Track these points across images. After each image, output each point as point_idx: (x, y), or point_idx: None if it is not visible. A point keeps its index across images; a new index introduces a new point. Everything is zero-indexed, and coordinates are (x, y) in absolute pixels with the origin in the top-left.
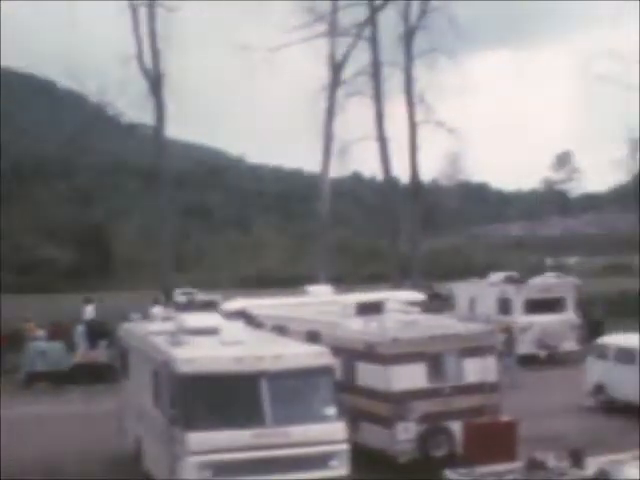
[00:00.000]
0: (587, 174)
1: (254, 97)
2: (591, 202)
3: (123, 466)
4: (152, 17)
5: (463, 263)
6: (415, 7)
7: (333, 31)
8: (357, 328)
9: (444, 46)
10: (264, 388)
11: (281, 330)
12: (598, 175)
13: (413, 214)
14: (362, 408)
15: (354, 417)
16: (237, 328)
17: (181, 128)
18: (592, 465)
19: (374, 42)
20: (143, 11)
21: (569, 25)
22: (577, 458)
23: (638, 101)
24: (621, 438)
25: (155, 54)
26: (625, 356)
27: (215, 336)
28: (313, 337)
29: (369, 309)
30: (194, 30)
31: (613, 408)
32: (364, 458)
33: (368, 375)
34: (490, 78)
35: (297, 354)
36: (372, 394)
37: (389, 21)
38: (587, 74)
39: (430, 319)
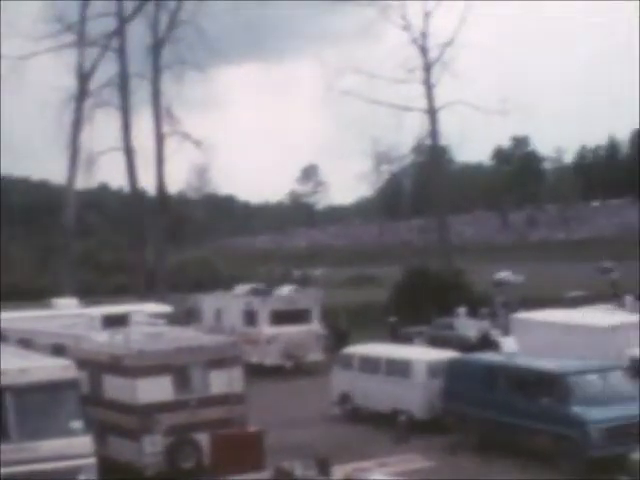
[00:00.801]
0: (332, 187)
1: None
2: (336, 215)
3: None
4: None
5: (210, 275)
6: (164, 19)
7: (81, 41)
8: (103, 341)
9: (193, 59)
10: (9, 402)
11: (26, 344)
12: (343, 188)
13: (159, 226)
14: (109, 421)
15: (102, 430)
16: None
17: None
18: (338, 473)
19: (122, 53)
20: None
21: (318, 40)
22: (323, 466)
23: (382, 116)
24: (367, 445)
25: None
26: (369, 365)
27: None
28: (59, 350)
29: (115, 322)
30: None
31: (358, 416)
32: (113, 472)
33: (114, 388)
34: (241, 91)
35: (42, 368)
36: (119, 407)
37: (138, 33)
38: (334, 88)
39: (176, 331)
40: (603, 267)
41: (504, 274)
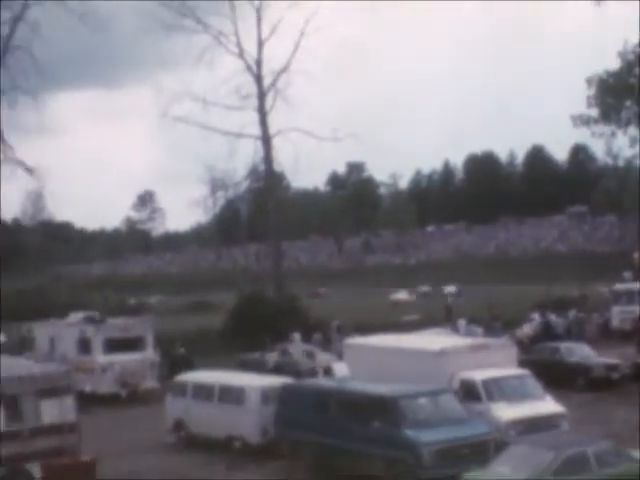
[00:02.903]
0: (169, 214)
1: None
2: (172, 241)
3: None
4: None
5: (46, 303)
6: None
7: None
8: None
9: (26, 85)
10: None
11: None
12: (179, 215)
13: None
14: None
15: None
16: None
17: None
18: None
19: None
20: None
21: (155, 67)
22: None
23: (217, 143)
24: (201, 473)
25: None
26: (203, 392)
27: None
28: None
29: None
30: None
31: (193, 443)
32: None
33: None
34: (81, 118)
35: None
36: None
37: None
38: (168, 114)
39: (6, 360)
40: (445, 291)
41: None
